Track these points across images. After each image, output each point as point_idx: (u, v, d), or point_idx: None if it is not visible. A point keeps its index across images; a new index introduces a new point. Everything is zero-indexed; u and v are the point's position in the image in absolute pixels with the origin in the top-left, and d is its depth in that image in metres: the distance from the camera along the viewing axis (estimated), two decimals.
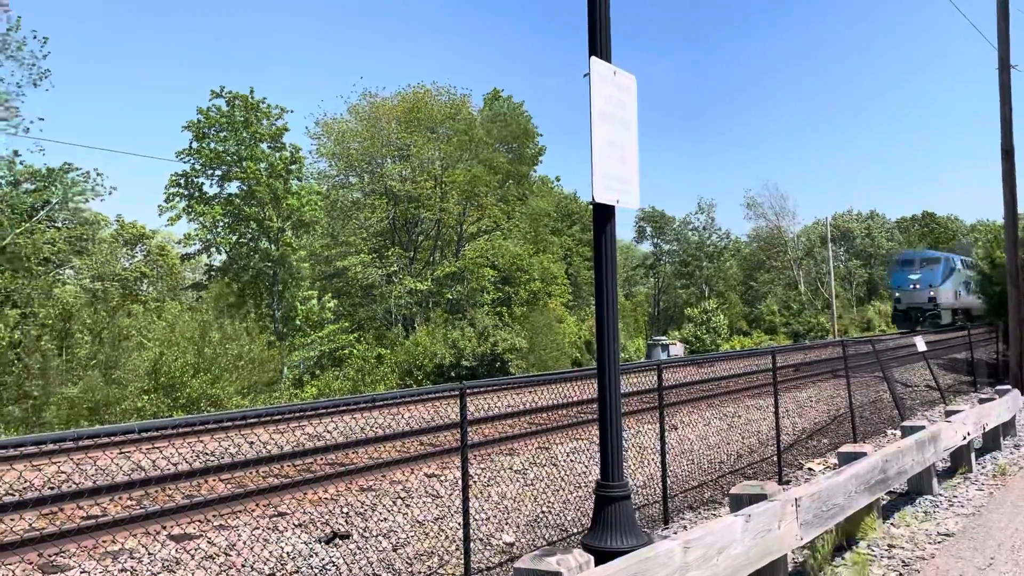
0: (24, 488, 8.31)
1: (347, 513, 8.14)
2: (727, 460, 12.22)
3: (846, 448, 8.13)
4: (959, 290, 47.04)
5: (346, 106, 46.57)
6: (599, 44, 5.04)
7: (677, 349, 44.81)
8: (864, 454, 7.53)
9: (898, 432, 11.54)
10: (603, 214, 5.14)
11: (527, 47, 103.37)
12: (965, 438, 10.12)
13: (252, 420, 11.54)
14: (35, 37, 27.39)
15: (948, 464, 10.63)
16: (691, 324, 55.01)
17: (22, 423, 20.45)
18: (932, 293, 42.06)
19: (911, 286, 42.77)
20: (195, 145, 35.19)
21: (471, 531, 6.66)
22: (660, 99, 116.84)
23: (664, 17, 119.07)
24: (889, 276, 47.75)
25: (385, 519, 8.11)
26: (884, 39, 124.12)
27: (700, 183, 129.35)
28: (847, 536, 7.12)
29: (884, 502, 8.49)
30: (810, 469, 12.01)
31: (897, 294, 44.14)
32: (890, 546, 7.11)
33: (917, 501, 8.93)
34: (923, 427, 9.37)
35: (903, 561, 6.69)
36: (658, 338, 47.91)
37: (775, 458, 11.52)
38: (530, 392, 15.11)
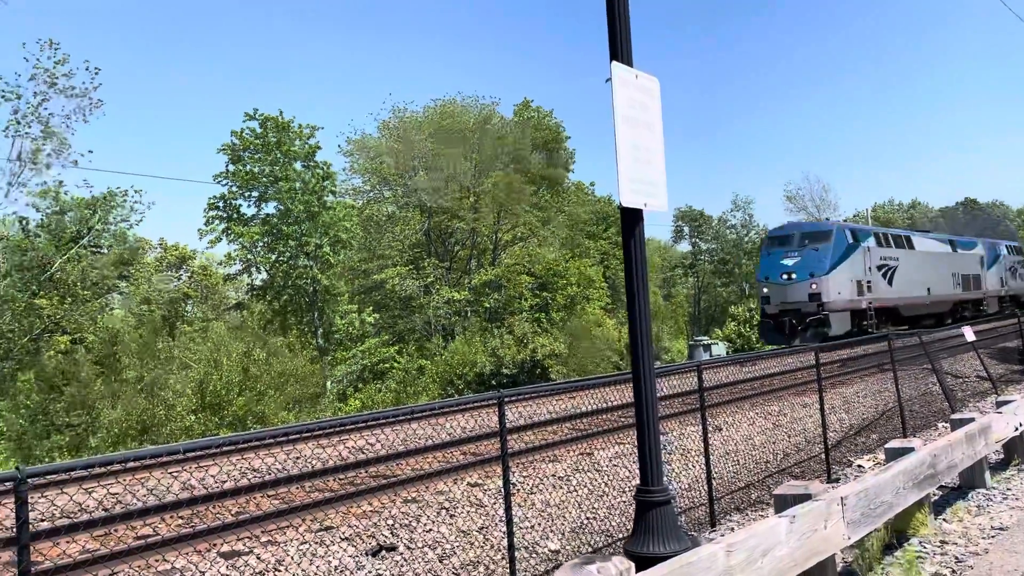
0: (77, 511, 8.49)
1: (392, 525, 8.18)
2: (773, 460, 12.06)
3: (893, 444, 7.98)
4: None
5: (376, 123, 47.02)
6: (620, 48, 5.03)
7: (719, 349, 44.19)
8: (912, 449, 7.37)
9: (948, 425, 11.29)
10: (631, 218, 5.12)
11: (553, 52, 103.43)
12: (1017, 428, 9.86)
13: (294, 436, 11.67)
14: (87, 68, 27.84)
15: (1001, 456, 10.37)
16: (734, 322, 54.41)
17: (72, 448, 20.93)
18: (815, 286, 26.85)
19: (782, 275, 27.93)
20: (231, 168, 35.86)
21: (516, 539, 6.66)
22: (691, 95, 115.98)
23: (692, 7, 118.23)
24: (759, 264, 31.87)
25: (430, 530, 8.14)
26: (922, 19, 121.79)
27: (737, 180, 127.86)
28: (897, 533, 6.98)
29: (935, 497, 8.31)
30: (860, 466, 11.81)
31: (764, 289, 28.55)
32: (942, 542, 6.96)
33: (969, 495, 8.72)
34: (972, 419, 9.16)
35: (956, 557, 6.54)
36: (699, 338, 47.39)
37: (823, 456, 11.35)
38: (570, 398, 15.09)
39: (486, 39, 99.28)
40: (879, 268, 30.11)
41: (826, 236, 28.14)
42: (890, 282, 30.77)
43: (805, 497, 5.48)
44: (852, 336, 26.65)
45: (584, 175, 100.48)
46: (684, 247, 77.66)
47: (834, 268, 27.40)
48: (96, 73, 27.62)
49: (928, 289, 33.74)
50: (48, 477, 6.55)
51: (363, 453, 11.55)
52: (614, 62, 4.98)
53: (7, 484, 4.01)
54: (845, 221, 54.34)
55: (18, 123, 25.29)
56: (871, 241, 30.60)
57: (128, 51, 76.88)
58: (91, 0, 73.14)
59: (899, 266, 31.48)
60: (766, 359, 20.96)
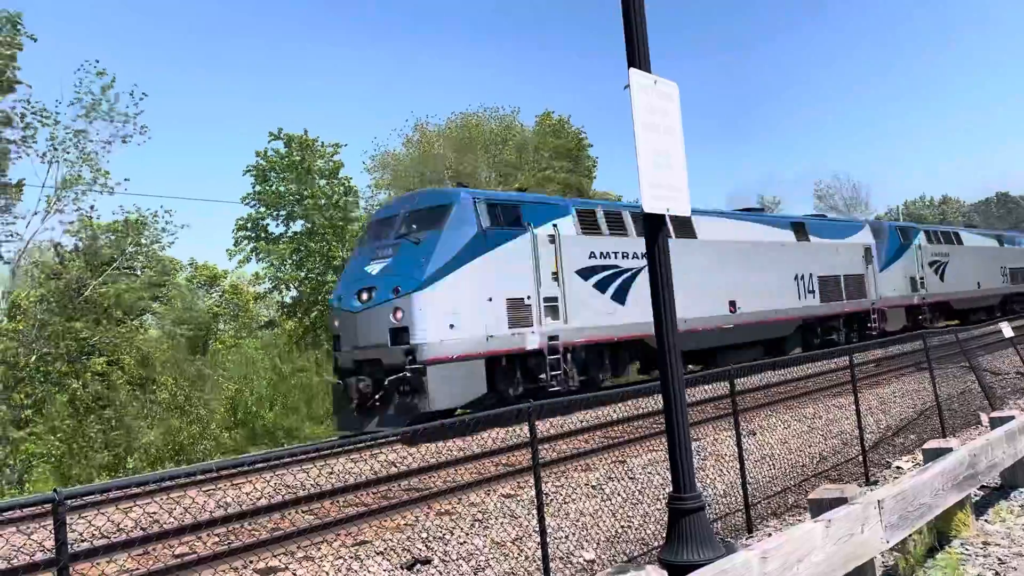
0: (115, 532, 8.60)
1: (426, 538, 8.19)
2: (809, 463, 11.91)
3: (931, 444, 7.84)
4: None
5: (400, 139, 47.33)
6: (637, 55, 5.02)
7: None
8: (950, 449, 7.24)
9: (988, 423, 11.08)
10: (654, 224, 5.10)
11: (571, 60, 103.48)
12: None
13: (326, 452, 11.73)
14: (132, 94, 27.57)
15: None
16: None
17: (109, 470, 21.21)
18: (400, 314, 14.87)
19: (358, 295, 15.67)
20: (257, 188, 36.23)
21: (550, 550, 6.63)
22: (717, 97, 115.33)
23: (721, 7, 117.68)
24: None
25: (464, 542, 8.14)
26: (951, 15, 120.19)
27: (765, 179, 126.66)
28: (938, 536, 6.85)
29: (976, 498, 8.14)
30: (898, 468, 11.62)
31: (335, 322, 16.38)
32: (984, 543, 6.81)
33: (1012, 495, 8.54)
34: (1012, 417, 8.97)
35: (999, 559, 6.40)
36: None
37: (860, 458, 11.19)
38: (601, 407, 15.02)
39: (504, 51, 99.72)
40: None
41: (442, 214, 15.67)
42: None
43: (841, 501, 5.40)
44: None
45: (607, 181, 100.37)
46: None
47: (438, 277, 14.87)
48: (141, 99, 27.40)
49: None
50: (86, 499, 6.64)
51: (395, 467, 11.59)
52: (632, 68, 4.97)
53: (46, 506, 4.07)
54: (879, 218, 53.11)
55: (55, 149, 25.53)
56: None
57: (152, 71, 78.21)
58: (113, 20, 74.57)
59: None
60: (799, 362, 20.75)
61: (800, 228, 25.71)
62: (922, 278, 29.55)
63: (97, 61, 26.24)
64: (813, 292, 24.96)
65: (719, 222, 22.74)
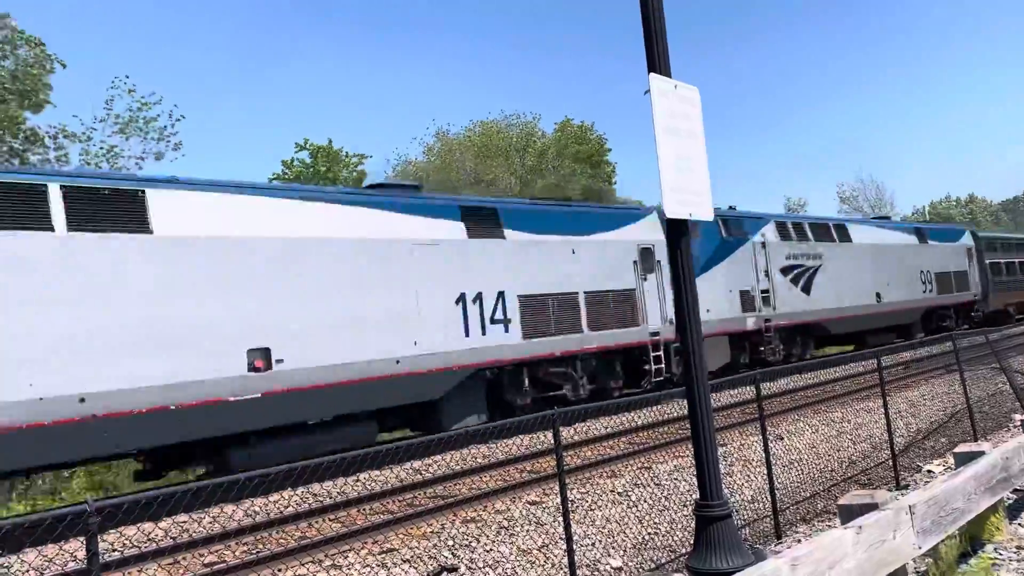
0: (144, 541, 8.68)
1: (453, 546, 8.19)
2: (839, 468, 11.79)
3: (962, 448, 7.72)
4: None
5: (421, 147, 47.52)
6: (657, 60, 5.01)
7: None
8: (982, 453, 7.13)
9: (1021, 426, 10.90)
10: (676, 228, 5.08)
11: (591, 65, 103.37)
12: None
13: (349, 460, 11.76)
14: (170, 115, 27.83)
15: None
16: None
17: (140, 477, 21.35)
18: None
19: None
20: None
21: (577, 557, 6.60)
22: (741, 95, 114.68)
23: (739, 8, 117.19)
24: None
25: (490, 550, 8.12)
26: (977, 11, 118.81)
27: (789, 182, 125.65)
28: (971, 540, 6.74)
29: (1009, 501, 8.01)
30: (929, 471, 11.47)
31: None
32: (1018, 548, 6.70)
33: None
34: None
35: None
36: None
37: (890, 463, 11.05)
38: (626, 413, 14.95)
39: (523, 57, 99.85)
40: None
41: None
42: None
43: (871, 507, 5.33)
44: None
45: (632, 187, 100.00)
46: None
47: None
48: (179, 120, 27.83)
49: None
50: (117, 509, 6.71)
51: (420, 474, 11.60)
52: (652, 74, 4.96)
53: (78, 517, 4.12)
54: (905, 219, 51.55)
55: (88, 164, 25.90)
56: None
57: (175, 81, 79.12)
58: (134, 30, 75.62)
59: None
60: (826, 366, 20.55)
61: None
62: (766, 291, 21.58)
63: (127, 77, 26.47)
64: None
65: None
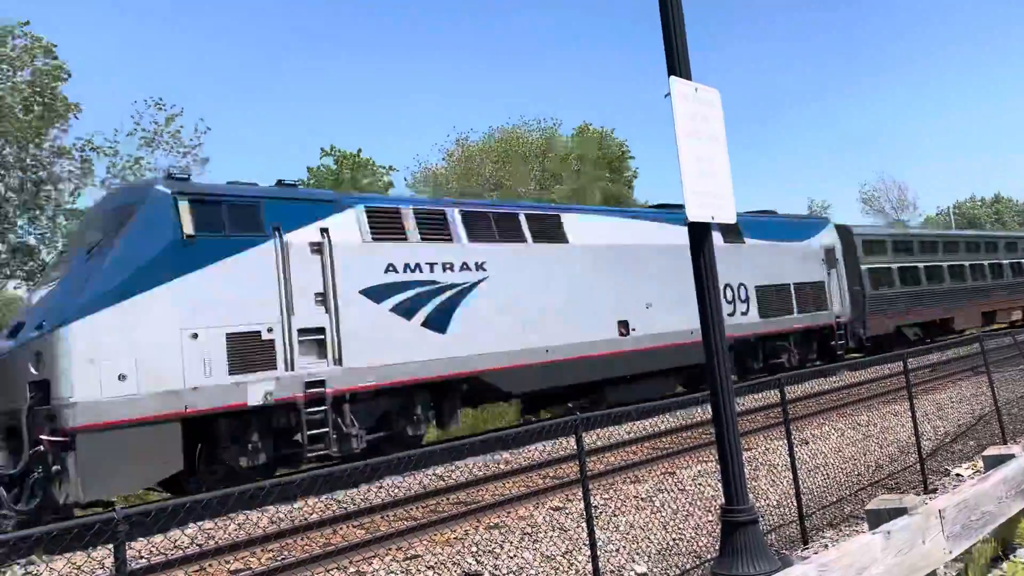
0: (171, 548, 8.76)
1: (476, 552, 8.18)
2: (866, 472, 11.65)
3: (991, 451, 7.61)
4: None
5: (441, 153, 47.73)
6: (677, 63, 4.99)
7: None
8: (1012, 455, 7.02)
9: None
10: (698, 231, 5.06)
11: (611, 67, 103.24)
12: None
13: (372, 467, 11.80)
14: (196, 129, 27.58)
15: None
16: None
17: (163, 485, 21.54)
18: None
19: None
20: None
21: (601, 563, 6.57)
22: (762, 97, 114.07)
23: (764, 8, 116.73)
24: None
25: (514, 556, 8.11)
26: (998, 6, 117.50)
27: (812, 183, 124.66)
28: (1004, 544, 6.64)
29: None
30: (958, 475, 11.31)
31: None
32: None
33: None
34: None
35: None
36: None
37: (918, 466, 10.91)
38: (650, 417, 14.89)
39: (543, 60, 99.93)
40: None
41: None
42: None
43: (900, 511, 5.27)
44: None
45: (649, 189, 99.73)
46: None
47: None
48: (205, 132, 27.60)
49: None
50: (144, 516, 6.78)
51: (443, 480, 11.61)
52: (672, 77, 4.94)
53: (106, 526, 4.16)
54: (929, 220, 50.72)
55: (114, 177, 26.12)
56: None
57: (199, 87, 80.00)
58: (159, 37, 76.59)
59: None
60: (851, 369, 20.37)
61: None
62: (317, 330, 12.45)
63: (160, 99, 26.56)
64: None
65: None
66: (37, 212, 24.09)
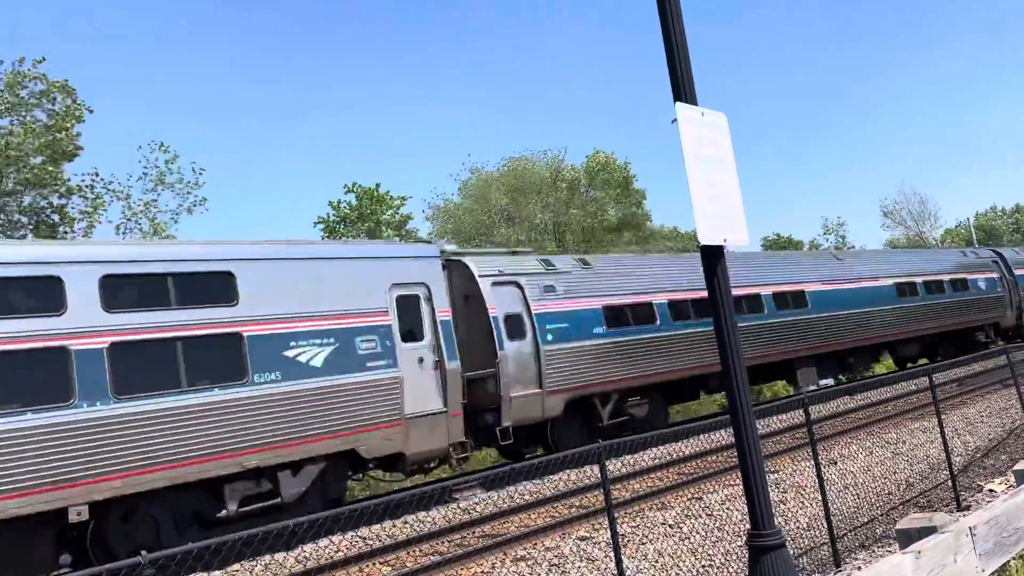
0: None
1: None
2: (896, 491, 11.47)
3: (1022, 465, 7.48)
4: None
5: (456, 183, 48.11)
6: (683, 89, 5.02)
7: (827, 379, 42.32)
8: None
9: None
10: (711, 255, 5.05)
11: (618, 92, 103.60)
12: None
13: (396, 502, 11.77)
14: (193, 170, 29.09)
15: None
16: None
17: None
18: None
19: None
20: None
21: None
22: (775, 116, 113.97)
23: (775, 23, 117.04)
24: None
25: None
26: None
27: (828, 201, 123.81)
28: None
29: None
30: (991, 491, 11.10)
31: None
32: None
33: None
34: None
35: None
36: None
37: (949, 483, 10.73)
38: (673, 443, 14.76)
39: (550, 89, 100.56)
40: None
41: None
42: None
43: (930, 530, 5.18)
44: None
45: (663, 212, 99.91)
46: None
47: None
48: (200, 173, 29.03)
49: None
50: (170, 560, 6.80)
51: (468, 514, 11.54)
52: (678, 103, 4.97)
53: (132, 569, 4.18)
54: (948, 233, 50.29)
55: (128, 220, 26.82)
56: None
57: (210, 125, 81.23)
58: (174, 78, 77.89)
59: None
60: (876, 386, 20.11)
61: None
62: None
63: (163, 144, 28.10)
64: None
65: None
66: None
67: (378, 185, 38.21)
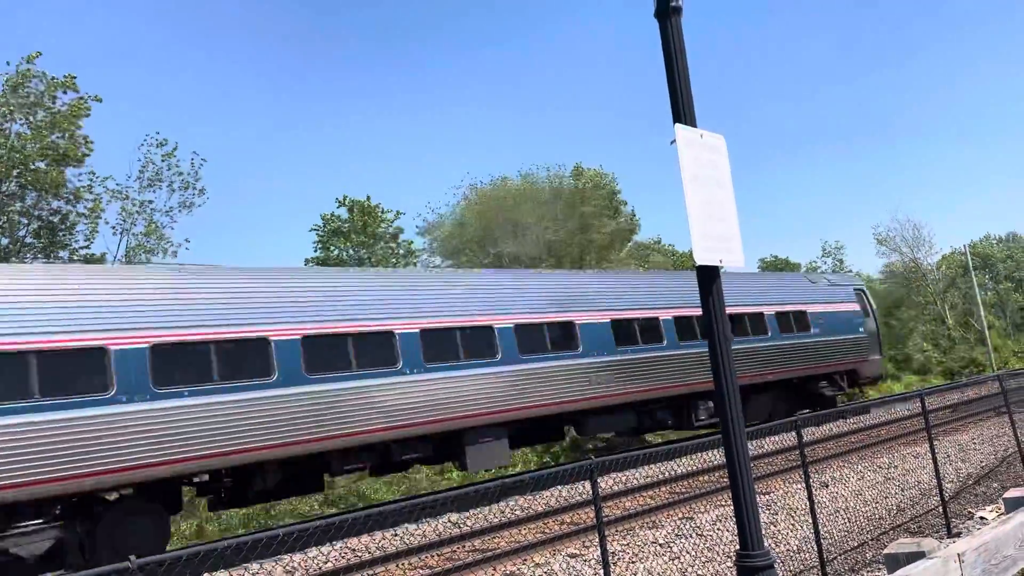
0: None
1: None
2: (887, 516, 11.48)
3: (1012, 493, 7.51)
4: None
5: (456, 197, 48.28)
6: (682, 110, 5.07)
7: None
8: None
9: None
10: (707, 275, 5.09)
11: (614, 112, 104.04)
12: None
13: (387, 514, 11.75)
14: (192, 162, 27.70)
15: None
16: None
17: (194, 535, 21.54)
18: None
19: None
20: (319, 254, 37.38)
21: None
22: (775, 138, 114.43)
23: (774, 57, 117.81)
24: None
25: None
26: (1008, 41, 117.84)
27: (825, 225, 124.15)
28: None
29: None
30: (982, 518, 11.11)
31: None
32: None
33: None
34: None
35: None
36: None
37: (940, 509, 10.74)
38: (667, 462, 14.75)
39: (549, 108, 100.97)
40: None
41: None
42: None
43: (919, 555, 5.20)
44: None
45: (655, 228, 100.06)
46: None
47: None
48: (201, 164, 27.93)
49: None
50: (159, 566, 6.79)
51: (459, 528, 11.52)
52: (677, 124, 5.02)
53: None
54: (945, 259, 50.26)
55: (124, 220, 26.54)
56: None
57: (213, 135, 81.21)
58: (181, 86, 78.03)
59: None
60: (870, 409, 20.12)
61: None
62: None
63: (158, 133, 27.33)
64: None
65: None
66: (53, 260, 24.38)
67: (369, 197, 38.31)
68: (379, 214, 38.10)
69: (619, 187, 46.69)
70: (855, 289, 24.43)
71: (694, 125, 5.10)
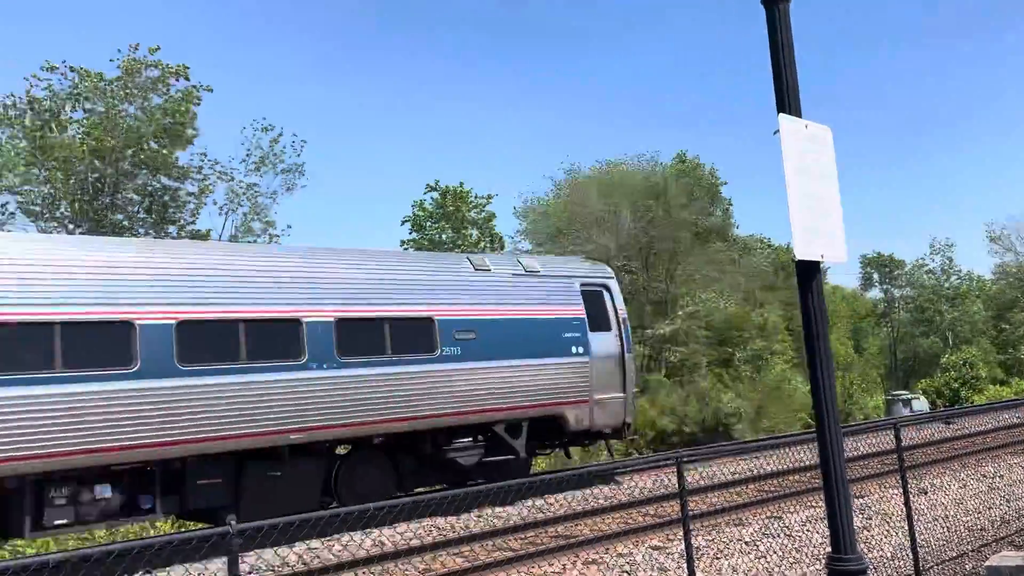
0: (280, 565, 9.07)
1: None
2: (989, 527, 10.98)
3: None
4: None
5: (551, 184, 48.23)
6: (787, 100, 4.93)
7: (921, 404, 40.53)
8: None
9: None
10: (807, 271, 4.94)
11: (715, 99, 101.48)
12: None
13: (472, 495, 11.91)
14: (293, 144, 28.54)
15: None
16: (949, 372, 50.38)
17: None
18: None
19: None
20: (414, 236, 38.00)
21: None
22: (884, 131, 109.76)
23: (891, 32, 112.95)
24: None
25: None
26: None
27: (934, 221, 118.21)
28: None
29: None
30: None
31: None
32: None
33: None
34: None
35: None
36: (898, 392, 43.96)
37: None
38: (755, 458, 14.47)
39: (654, 98, 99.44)
40: None
41: None
42: None
43: (1022, 569, 4.96)
44: None
45: (752, 223, 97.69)
46: (874, 294, 73.05)
47: None
48: (303, 146, 28.83)
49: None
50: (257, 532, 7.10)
51: (542, 512, 11.60)
52: (781, 114, 4.89)
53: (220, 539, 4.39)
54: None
55: (230, 202, 27.68)
56: None
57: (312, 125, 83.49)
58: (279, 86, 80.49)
59: None
60: (976, 414, 19.24)
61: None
62: None
63: (264, 118, 28.45)
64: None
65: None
66: (162, 235, 25.58)
67: (461, 183, 38.68)
68: (473, 201, 38.46)
69: (717, 173, 45.73)
70: (587, 283, 15.22)
71: (799, 115, 4.96)
